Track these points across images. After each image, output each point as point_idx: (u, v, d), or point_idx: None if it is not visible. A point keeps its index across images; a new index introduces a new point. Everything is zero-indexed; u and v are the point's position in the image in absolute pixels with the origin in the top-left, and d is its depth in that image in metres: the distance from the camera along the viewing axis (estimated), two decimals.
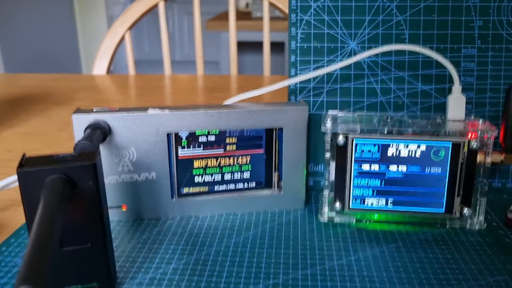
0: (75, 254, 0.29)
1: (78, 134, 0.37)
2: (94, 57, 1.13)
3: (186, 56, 3.20)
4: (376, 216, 0.40)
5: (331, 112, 0.42)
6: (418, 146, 0.38)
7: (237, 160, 0.41)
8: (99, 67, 1.11)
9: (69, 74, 1.07)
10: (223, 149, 0.40)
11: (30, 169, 0.26)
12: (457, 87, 0.40)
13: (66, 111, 0.74)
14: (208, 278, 0.32)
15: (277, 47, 2.19)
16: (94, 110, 0.38)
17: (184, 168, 0.40)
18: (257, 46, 1.90)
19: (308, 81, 0.44)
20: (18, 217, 0.41)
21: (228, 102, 0.42)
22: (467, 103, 0.43)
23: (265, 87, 0.43)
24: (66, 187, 0.26)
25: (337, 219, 0.40)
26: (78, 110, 0.38)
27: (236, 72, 1.15)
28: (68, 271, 0.29)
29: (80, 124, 0.37)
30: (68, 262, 0.29)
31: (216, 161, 0.40)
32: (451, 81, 0.43)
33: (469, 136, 0.37)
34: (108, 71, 1.12)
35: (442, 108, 0.44)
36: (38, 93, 0.88)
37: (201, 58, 1.18)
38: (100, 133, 0.36)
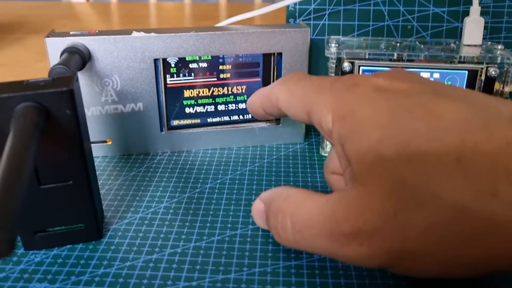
0: (55, 193, 0.26)
1: (53, 59, 0.33)
2: None
3: None
4: None
5: (333, 37, 0.38)
6: (431, 74, 0.34)
7: (231, 89, 0.37)
8: None
9: (45, 1, 1.00)
10: (216, 77, 0.36)
11: None
12: (475, 7, 0.36)
13: (43, 40, 0.69)
14: (202, 218, 0.29)
15: None
16: (71, 33, 0.34)
17: (174, 98, 0.36)
18: None
19: (309, 2, 0.40)
20: None
21: (219, 25, 0.38)
22: None
23: (261, 9, 0.38)
24: (40, 116, 0.23)
25: None
26: (53, 33, 0.34)
27: (226, 1, 1.09)
28: (50, 211, 0.26)
29: (55, 48, 0.32)
30: (49, 201, 0.26)
31: (209, 90, 0.37)
32: (465, 3, 0.40)
33: (487, 63, 0.34)
34: None
35: (455, 34, 0.41)
36: (13, 21, 0.82)
37: None
38: (78, 58, 0.32)
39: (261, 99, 0.27)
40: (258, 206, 0.26)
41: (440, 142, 0.18)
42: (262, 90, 0.28)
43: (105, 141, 0.36)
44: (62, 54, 0.32)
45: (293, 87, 0.25)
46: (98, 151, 0.37)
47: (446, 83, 0.34)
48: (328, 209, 0.20)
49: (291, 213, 0.22)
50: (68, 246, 0.27)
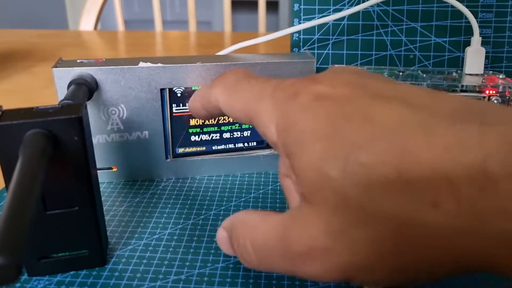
0: (61, 219, 0.26)
1: (61, 90, 0.33)
2: (81, 13, 1.07)
3: (178, 16, 3.10)
4: None
5: (337, 65, 0.38)
6: None
7: None
8: (86, 23, 1.06)
9: (54, 30, 1.02)
10: None
11: (7, 123, 0.23)
12: (476, 38, 0.37)
13: (52, 68, 0.70)
14: (207, 244, 0.29)
15: (271, 6, 2.12)
16: (78, 62, 0.34)
17: (179, 126, 0.37)
18: (251, 5, 1.84)
19: (313, 31, 0.41)
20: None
21: (222, 52, 0.39)
22: None
23: (265, 36, 0.39)
24: (48, 143, 0.23)
25: None
26: (60, 62, 0.34)
27: (230, 30, 1.11)
28: (54, 237, 0.26)
29: (62, 79, 0.33)
30: (54, 227, 0.26)
31: (214, 119, 0.37)
32: (467, 33, 0.40)
33: (488, 92, 0.35)
34: (96, 27, 1.07)
35: (456, 63, 0.41)
36: (22, 49, 0.83)
37: (194, 17, 1.13)
38: (85, 89, 0.32)
39: (201, 102, 0.27)
40: (221, 234, 0.25)
41: (378, 153, 0.17)
42: (202, 91, 0.27)
43: (111, 168, 0.37)
44: (69, 85, 0.32)
45: (232, 91, 0.25)
46: (103, 177, 0.37)
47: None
48: (281, 229, 0.20)
49: (250, 236, 0.22)
50: (71, 273, 0.27)
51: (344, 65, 0.26)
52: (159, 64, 0.34)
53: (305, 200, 0.20)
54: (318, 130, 0.19)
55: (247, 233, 0.22)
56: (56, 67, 0.33)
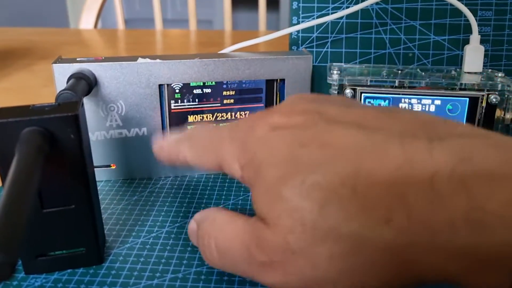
0: (58, 217, 0.26)
1: (61, 86, 0.33)
2: (81, 11, 1.07)
3: (178, 15, 3.10)
4: None
5: (336, 64, 0.38)
6: (433, 101, 0.35)
7: (235, 115, 0.38)
8: (86, 21, 1.06)
9: (54, 28, 1.02)
10: (220, 103, 0.37)
11: (3, 121, 0.23)
12: (475, 36, 0.37)
13: (51, 66, 0.70)
14: None
15: (271, 4, 2.12)
16: (78, 60, 0.34)
17: (178, 123, 0.37)
18: (252, 3, 1.83)
19: (311, 30, 0.41)
20: None
21: (224, 52, 0.39)
22: None
23: (265, 36, 0.39)
24: (45, 141, 0.23)
25: None
26: (60, 59, 0.34)
27: (231, 28, 1.11)
28: (52, 235, 0.26)
29: (62, 74, 0.33)
30: (51, 225, 0.26)
31: (213, 115, 0.37)
32: (466, 31, 0.40)
33: (488, 90, 0.34)
34: (96, 26, 1.07)
35: (455, 62, 0.41)
36: (22, 47, 0.83)
37: (194, 16, 1.12)
38: (84, 83, 0.32)
39: (168, 156, 0.27)
40: (192, 226, 0.25)
41: (334, 173, 0.18)
42: (168, 146, 0.27)
43: (109, 166, 0.37)
44: (68, 79, 0.32)
45: (196, 146, 0.25)
46: (101, 175, 0.37)
47: (447, 110, 0.34)
48: (245, 237, 0.21)
49: (215, 236, 0.22)
50: (68, 271, 0.27)
51: (302, 94, 0.27)
52: (158, 60, 0.34)
53: (264, 221, 0.20)
54: (274, 157, 0.20)
55: (212, 232, 0.23)
56: (55, 63, 0.33)
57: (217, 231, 0.22)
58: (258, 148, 0.21)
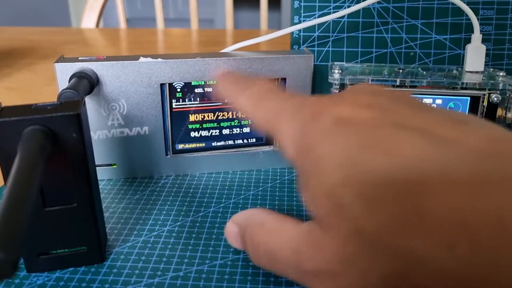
0: (60, 215, 0.26)
1: (63, 85, 0.33)
2: (83, 10, 1.07)
3: (180, 14, 3.10)
4: None
5: (337, 63, 0.38)
6: (434, 100, 0.35)
7: (236, 114, 0.38)
8: (88, 21, 1.06)
9: (56, 27, 1.02)
10: (221, 102, 0.37)
11: (6, 119, 0.23)
12: (477, 35, 0.37)
13: (53, 65, 0.70)
14: (205, 241, 0.29)
15: (272, 3, 2.12)
16: (80, 59, 0.34)
17: (179, 122, 0.37)
18: (253, 2, 1.83)
19: (313, 29, 0.41)
20: None
21: (225, 51, 0.39)
22: None
23: (266, 35, 0.39)
24: (47, 139, 0.23)
25: None
26: (62, 59, 0.34)
27: (232, 27, 1.11)
28: (53, 234, 0.26)
29: (64, 73, 0.33)
30: (53, 224, 0.26)
31: (214, 114, 0.37)
32: (467, 30, 0.40)
33: (489, 89, 0.34)
34: (98, 25, 1.07)
35: (457, 61, 0.41)
36: (24, 46, 0.84)
37: (196, 15, 1.12)
38: (86, 82, 0.32)
39: (224, 85, 0.27)
40: (232, 229, 0.25)
41: (397, 186, 0.17)
42: (231, 77, 0.27)
43: (111, 165, 0.37)
44: (70, 78, 0.32)
45: (256, 103, 0.25)
46: (103, 174, 0.37)
47: (448, 108, 0.34)
48: (295, 244, 0.21)
49: (264, 241, 0.22)
50: (70, 269, 0.27)
51: (365, 83, 0.25)
52: (159, 59, 0.34)
53: (318, 223, 0.20)
54: (337, 157, 0.19)
55: (262, 236, 0.22)
56: (58, 62, 0.33)
57: (267, 236, 0.22)
58: (319, 141, 0.20)
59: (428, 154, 0.17)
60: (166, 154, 0.37)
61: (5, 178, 0.24)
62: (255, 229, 0.23)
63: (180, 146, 0.38)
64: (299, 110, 0.22)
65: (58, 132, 0.24)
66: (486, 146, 0.17)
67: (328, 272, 0.19)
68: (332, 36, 0.41)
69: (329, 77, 0.35)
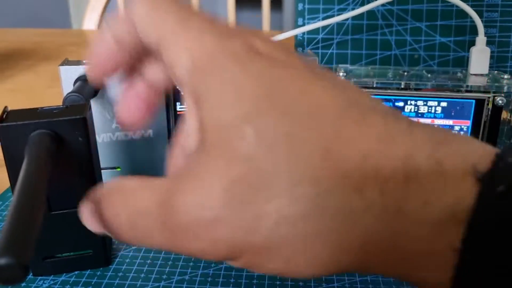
0: (65, 219, 0.26)
1: (67, 87, 0.33)
2: (84, 12, 1.07)
3: None
4: None
5: (342, 65, 0.38)
6: (439, 103, 0.35)
7: None
8: (89, 22, 1.06)
9: (58, 29, 1.02)
10: None
11: (12, 124, 0.23)
12: (481, 38, 0.37)
13: (55, 67, 0.70)
14: None
15: (274, 4, 2.12)
16: (84, 62, 0.34)
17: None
18: (255, 3, 1.83)
19: (317, 31, 0.41)
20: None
21: None
22: None
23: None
24: (53, 143, 0.23)
25: None
26: (66, 62, 0.34)
27: None
28: (59, 237, 0.26)
29: (69, 76, 0.33)
30: (59, 227, 0.26)
31: None
32: (472, 32, 0.40)
33: (494, 92, 0.34)
34: (99, 26, 1.07)
35: (461, 63, 0.41)
36: (26, 48, 0.84)
37: None
38: (91, 86, 0.32)
39: (112, 30, 0.20)
40: (85, 208, 0.19)
41: (310, 128, 0.16)
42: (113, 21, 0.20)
43: (115, 168, 0.37)
44: (75, 82, 0.32)
45: (156, 5, 0.19)
46: (107, 178, 0.37)
47: (453, 111, 0.34)
48: (163, 194, 0.17)
49: (125, 204, 0.18)
50: (76, 272, 0.27)
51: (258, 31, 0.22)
52: None
53: (205, 153, 0.16)
54: (248, 87, 0.16)
55: (121, 200, 0.18)
56: (62, 65, 0.33)
57: (126, 198, 0.18)
58: (227, 64, 0.17)
59: (344, 103, 0.16)
60: None
61: (12, 181, 0.24)
62: (113, 196, 0.19)
63: None
64: (207, 24, 0.18)
65: (64, 136, 0.24)
66: (387, 108, 0.17)
67: (205, 220, 0.16)
68: (336, 38, 0.41)
69: None
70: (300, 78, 0.17)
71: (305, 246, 0.16)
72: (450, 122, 0.35)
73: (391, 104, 0.35)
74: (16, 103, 0.52)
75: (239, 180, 0.15)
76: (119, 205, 0.18)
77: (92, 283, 0.26)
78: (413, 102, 0.35)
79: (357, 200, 0.15)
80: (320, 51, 0.41)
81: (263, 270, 0.17)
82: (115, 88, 0.34)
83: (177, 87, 0.20)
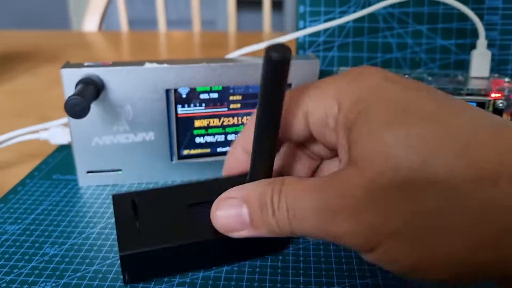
0: None
1: (69, 90, 0.33)
2: (84, 13, 1.07)
3: (182, 15, 3.10)
4: None
5: (343, 68, 0.38)
6: None
7: (241, 120, 0.38)
8: (90, 24, 1.06)
9: (57, 31, 1.02)
10: (226, 108, 0.37)
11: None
12: (482, 41, 0.37)
13: (55, 69, 0.70)
14: None
15: (275, 5, 2.12)
16: (85, 64, 0.34)
17: (184, 128, 0.37)
18: (256, 4, 1.83)
19: (318, 34, 0.41)
20: (11, 179, 0.38)
21: (230, 56, 0.39)
22: None
23: (271, 40, 0.39)
24: None
25: None
26: (68, 64, 0.34)
27: (235, 29, 1.11)
28: None
29: (70, 79, 0.33)
30: None
31: (219, 120, 0.37)
32: (472, 35, 0.40)
33: (494, 95, 0.34)
34: (100, 28, 1.07)
35: (462, 66, 0.41)
36: (25, 50, 0.84)
37: (198, 17, 1.13)
38: (93, 88, 0.32)
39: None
40: (236, 211, 0.23)
41: (449, 133, 0.18)
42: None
43: (116, 170, 0.37)
44: (77, 84, 0.32)
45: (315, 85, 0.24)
46: (107, 180, 0.37)
47: None
48: (319, 185, 0.20)
49: (285, 194, 0.21)
50: (71, 276, 0.27)
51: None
52: (165, 65, 0.34)
53: (351, 163, 0.20)
54: (387, 105, 0.19)
55: (285, 190, 0.21)
56: (64, 68, 0.33)
57: (288, 189, 0.21)
58: (370, 95, 0.20)
59: (477, 116, 0.19)
60: (171, 160, 0.37)
61: None
62: (278, 187, 0.21)
63: (185, 152, 0.38)
64: (340, 76, 0.23)
65: None
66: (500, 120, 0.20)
67: (352, 207, 0.19)
68: (337, 40, 0.41)
69: None
70: (432, 99, 0.20)
71: (443, 240, 0.17)
72: None
73: None
74: (16, 105, 0.52)
75: (380, 177, 0.18)
76: (282, 195, 0.21)
77: (94, 286, 0.26)
78: None
79: (493, 191, 0.16)
80: (321, 53, 0.41)
81: (395, 266, 0.19)
82: (116, 91, 0.34)
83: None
